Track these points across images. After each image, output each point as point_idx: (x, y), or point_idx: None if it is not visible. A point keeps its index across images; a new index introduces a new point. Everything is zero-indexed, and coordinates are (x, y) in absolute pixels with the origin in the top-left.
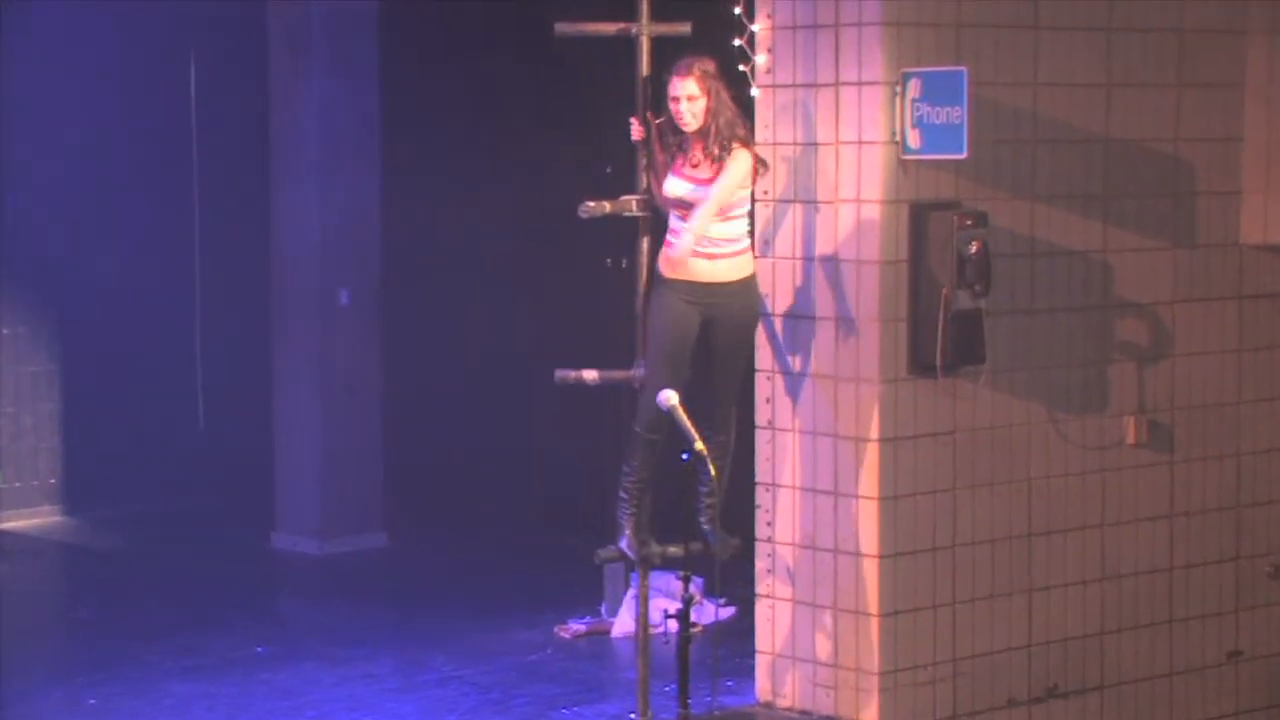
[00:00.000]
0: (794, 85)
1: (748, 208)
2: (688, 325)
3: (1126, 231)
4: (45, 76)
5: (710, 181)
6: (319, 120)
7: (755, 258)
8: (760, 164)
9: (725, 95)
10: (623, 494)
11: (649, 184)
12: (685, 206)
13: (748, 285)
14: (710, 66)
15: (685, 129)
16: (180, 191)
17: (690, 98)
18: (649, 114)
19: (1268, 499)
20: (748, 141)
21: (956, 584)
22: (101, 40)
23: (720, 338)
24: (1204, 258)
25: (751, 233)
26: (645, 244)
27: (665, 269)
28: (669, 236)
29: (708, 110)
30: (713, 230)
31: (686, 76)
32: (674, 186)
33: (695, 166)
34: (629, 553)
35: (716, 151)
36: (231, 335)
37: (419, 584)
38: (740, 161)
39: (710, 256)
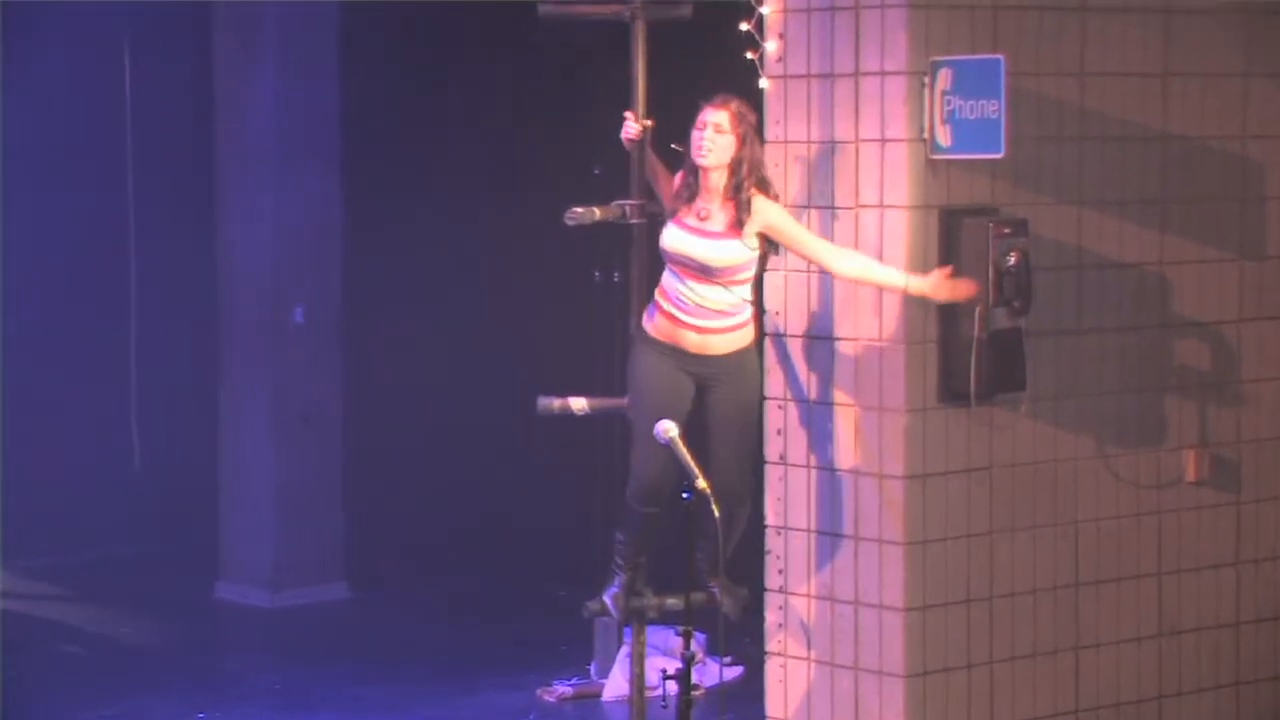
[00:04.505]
0: (808, 76)
1: (753, 273)
2: (678, 383)
3: (1186, 241)
4: None
5: (724, 235)
6: (272, 120)
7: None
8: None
9: (759, 152)
10: (617, 559)
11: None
12: (687, 265)
13: (744, 358)
14: (751, 115)
15: (699, 160)
16: (114, 201)
17: (718, 128)
18: (674, 145)
19: None
20: (768, 193)
21: (993, 641)
22: (19, 30)
23: (717, 417)
24: (1274, 270)
25: (756, 302)
26: (638, 255)
27: (650, 329)
28: (657, 297)
29: (733, 154)
30: (710, 298)
31: (721, 108)
32: (678, 240)
33: (704, 219)
34: (611, 608)
35: (732, 211)
36: (171, 360)
37: (384, 641)
38: (772, 206)
39: (700, 330)
